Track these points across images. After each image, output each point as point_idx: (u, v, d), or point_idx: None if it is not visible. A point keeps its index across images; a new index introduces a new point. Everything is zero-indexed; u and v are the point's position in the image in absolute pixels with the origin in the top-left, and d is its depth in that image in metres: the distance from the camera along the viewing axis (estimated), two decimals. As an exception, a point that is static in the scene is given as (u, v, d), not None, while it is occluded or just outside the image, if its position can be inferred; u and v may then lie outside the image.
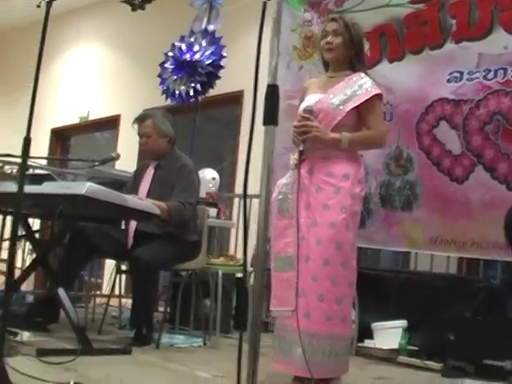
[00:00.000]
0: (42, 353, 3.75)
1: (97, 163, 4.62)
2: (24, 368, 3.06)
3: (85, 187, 3.86)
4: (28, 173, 4.66)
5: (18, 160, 4.64)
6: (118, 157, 4.69)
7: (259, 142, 2.48)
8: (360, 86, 3.72)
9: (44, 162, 7.78)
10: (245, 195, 2.45)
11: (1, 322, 2.89)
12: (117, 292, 5.80)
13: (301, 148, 3.67)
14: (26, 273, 4.79)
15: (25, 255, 6.51)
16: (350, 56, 3.83)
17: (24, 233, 4.66)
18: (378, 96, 3.75)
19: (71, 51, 11.08)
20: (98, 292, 7.50)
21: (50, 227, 6.25)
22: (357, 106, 3.68)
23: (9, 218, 6.30)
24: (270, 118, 2.45)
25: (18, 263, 6.31)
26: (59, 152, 11.32)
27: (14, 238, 3.23)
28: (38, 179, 4.14)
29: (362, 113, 3.71)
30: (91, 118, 10.75)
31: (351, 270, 3.57)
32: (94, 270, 7.22)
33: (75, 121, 10.91)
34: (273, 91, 2.52)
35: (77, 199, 3.92)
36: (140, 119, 5.18)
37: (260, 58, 2.42)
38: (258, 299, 2.51)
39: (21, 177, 3.01)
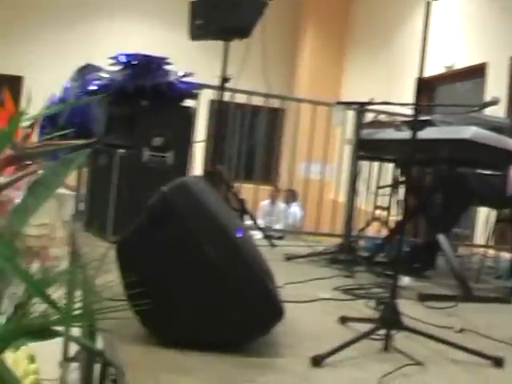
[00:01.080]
0: (423, 297, 3.83)
1: (477, 108, 4.54)
2: (407, 311, 3.11)
3: (470, 131, 3.81)
4: (406, 119, 4.74)
5: (390, 108, 4.78)
6: (497, 101, 4.56)
7: None
8: None
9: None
10: None
11: (392, 266, 2.96)
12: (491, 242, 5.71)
13: None
14: (406, 219, 4.85)
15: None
16: None
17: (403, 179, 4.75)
18: None
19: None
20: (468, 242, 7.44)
21: (422, 174, 6.30)
22: None
23: (386, 165, 6.47)
24: None
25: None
26: (425, 102, 11.33)
27: (416, 186, 3.27)
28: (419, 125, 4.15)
29: None
30: (456, 67, 10.62)
31: None
32: (464, 220, 7.15)
33: (440, 71, 10.83)
34: None
35: (461, 144, 3.90)
36: None
37: None
38: None
39: (414, 121, 3.06)
